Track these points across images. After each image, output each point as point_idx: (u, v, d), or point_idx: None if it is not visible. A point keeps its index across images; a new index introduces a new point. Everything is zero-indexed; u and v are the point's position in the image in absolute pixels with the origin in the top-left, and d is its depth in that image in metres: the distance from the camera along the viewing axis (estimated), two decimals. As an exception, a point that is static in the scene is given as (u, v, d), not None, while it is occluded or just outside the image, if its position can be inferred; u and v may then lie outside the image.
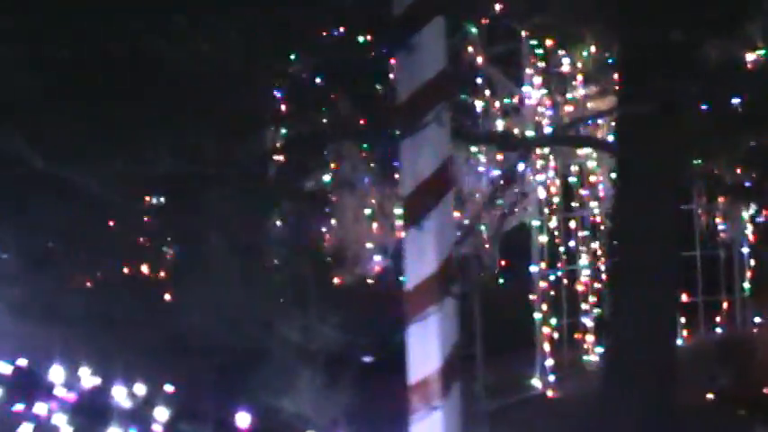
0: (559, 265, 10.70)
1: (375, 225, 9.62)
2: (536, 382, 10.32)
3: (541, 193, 10.22)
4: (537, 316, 10.32)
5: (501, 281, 11.39)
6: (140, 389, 5.09)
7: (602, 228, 11.09)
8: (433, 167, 4.79)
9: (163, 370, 5.05)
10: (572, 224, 10.89)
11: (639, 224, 7.89)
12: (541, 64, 10.07)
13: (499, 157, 9.85)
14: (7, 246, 5.63)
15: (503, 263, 10.82)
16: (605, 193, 10.99)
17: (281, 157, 7.26)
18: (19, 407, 5.91)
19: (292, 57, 7.94)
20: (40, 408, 5.65)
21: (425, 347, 4.86)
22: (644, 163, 7.80)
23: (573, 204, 10.98)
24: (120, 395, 5.23)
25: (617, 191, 8.65)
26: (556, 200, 10.59)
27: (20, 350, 6.25)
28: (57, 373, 5.76)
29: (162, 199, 6.08)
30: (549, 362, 10.35)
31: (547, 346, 10.38)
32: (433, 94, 4.80)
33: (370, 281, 9.82)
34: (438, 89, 4.81)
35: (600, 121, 10.29)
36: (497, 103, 9.96)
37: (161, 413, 4.87)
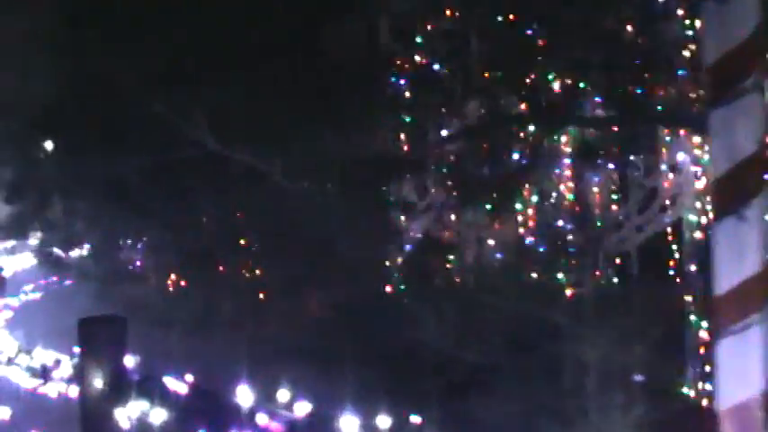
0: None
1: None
2: (688, 391, 9.44)
3: (699, 185, 9.29)
4: (692, 318, 9.44)
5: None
6: (384, 421, 4.17)
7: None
8: (753, 143, 3.92)
9: (409, 395, 4.15)
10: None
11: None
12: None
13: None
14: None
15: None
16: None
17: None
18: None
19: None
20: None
21: (743, 365, 3.99)
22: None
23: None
24: (350, 427, 4.34)
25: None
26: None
27: (200, 367, 5.44)
28: (245, 396, 4.87)
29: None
30: (704, 369, 9.48)
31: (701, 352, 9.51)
32: (748, 55, 3.92)
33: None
34: (754, 49, 3.93)
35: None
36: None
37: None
